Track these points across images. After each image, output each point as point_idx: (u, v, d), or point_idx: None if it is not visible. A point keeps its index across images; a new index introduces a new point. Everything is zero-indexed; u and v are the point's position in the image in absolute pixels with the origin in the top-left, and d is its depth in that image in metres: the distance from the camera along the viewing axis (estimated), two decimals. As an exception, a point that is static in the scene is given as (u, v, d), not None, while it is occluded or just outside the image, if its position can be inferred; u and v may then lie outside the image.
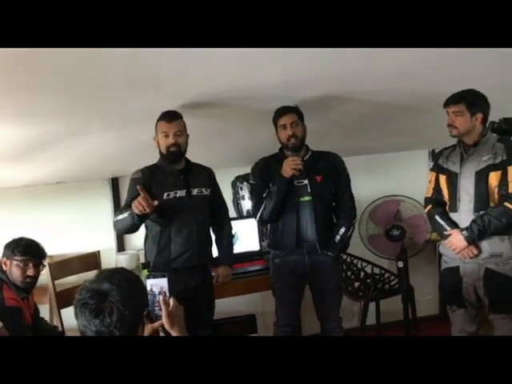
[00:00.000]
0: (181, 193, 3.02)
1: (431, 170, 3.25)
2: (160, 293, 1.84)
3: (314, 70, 2.77)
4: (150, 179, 2.99)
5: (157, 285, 1.85)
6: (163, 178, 3.02)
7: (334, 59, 2.63)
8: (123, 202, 3.99)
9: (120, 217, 2.90)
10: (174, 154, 2.99)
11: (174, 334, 1.80)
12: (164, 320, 1.79)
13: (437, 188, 3.17)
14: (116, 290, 1.53)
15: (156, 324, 1.82)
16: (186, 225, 3.02)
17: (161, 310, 1.81)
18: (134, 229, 2.96)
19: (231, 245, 3.35)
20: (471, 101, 2.93)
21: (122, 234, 3.03)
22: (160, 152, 3.02)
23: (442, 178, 3.11)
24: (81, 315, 1.53)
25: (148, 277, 1.89)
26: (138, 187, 2.78)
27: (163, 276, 1.88)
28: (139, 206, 2.72)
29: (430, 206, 3.19)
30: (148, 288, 1.84)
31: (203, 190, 3.11)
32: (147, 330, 1.80)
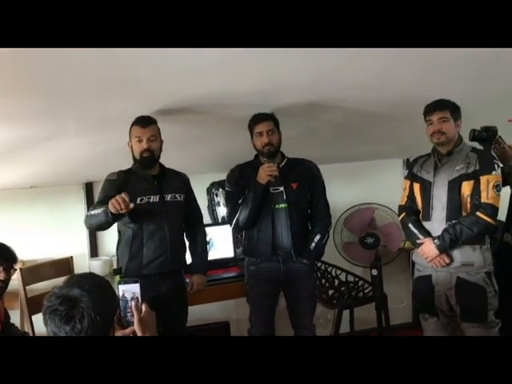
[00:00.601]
0: (154, 198, 3.00)
1: (405, 178, 3.28)
2: (132, 298, 1.82)
3: (291, 77, 2.78)
4: (124, 183, 2.96)
5: (129, 290, 1.83)
6: (137, 182, 2.99)
7: (310, 67, 2.65)
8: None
9: (93, 212, 2.85)
10: (147, 160, 2.98)
11: (145, 340, 1.79)
12: (136, 326, 1.77)
13: (411, 196, 3.19)
14: (87, 296, 1.51)
15: (127, 330, 1.80)
16: (159, 230, 2.99)
17: (133, 316, 1.79)
18: (105, 226, 2.90)
19: (205, 252, 3.32)
20: (453, 108, 2.97)
21: (92, 229, 2.97)
22: (133, 157, 3.01)
23: (416, 187, 3.14)
24: (50, 322, 1.51)
25: (120, 282, 1.87)
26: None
27: (135, 282, 1.86)
28: (116, 205, 2.66)
29: (403, 214, 3.22)
30: (120, 294, 1.82)
31: (177, 195, 3.09)
32: (118, 335, 1.77)
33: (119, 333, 1.79)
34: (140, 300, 1.82)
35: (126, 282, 1.86)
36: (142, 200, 2.97)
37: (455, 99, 2.99)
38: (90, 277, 1.62)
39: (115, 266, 3.53)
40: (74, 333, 1.48)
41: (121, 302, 1.82)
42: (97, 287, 1.56)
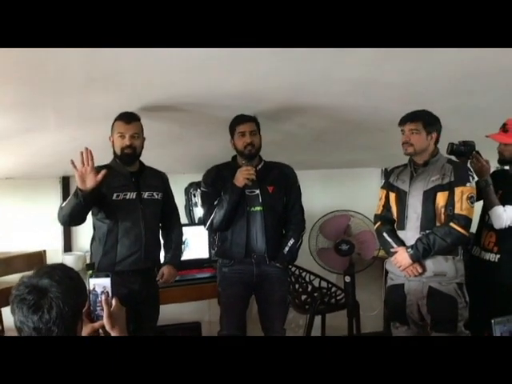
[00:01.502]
0: (131, 195, 2.99)
1: (382, 187, 3.32)
2: (102, 293, 1.81)
3: (274, 80, 2.80)
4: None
5: (99, 284, 1.82)
6: (114, 178, 2.97)
7: (294, 71, 2.67)
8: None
9: (64, 202, 2.87)
10: (129, 156, 2.97)
11: (114, 334, 1.77)
12: (105, 320, 1.76)
13: (386, 206, 3.22)
14: (56, 286, 1.50)
15: (96, 324, 1.79)
16: (134, 227, 2.98)
17: (102, 310, 1.78)
18: (77, 214, 2.86)
19: (179, 248, 3.29)
20: (427, 120, 3.00)
21: (66, 222, 2.94)
22: (114, 152, 3.00)
23: (392, 196, 3.17)
24: (18, 311, 1.50)
25: (91, 276, 1.85)
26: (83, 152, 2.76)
27: (107, 276, 1.85)
28: (81, 175, 2.71)
29: (378, 223, 3.24)
30: (90, 287, 1.81)
31: (154, 193, 3.08)
32: (87, 329, 1.76)
33: (88, 327, 1.78)
34: (110, 294, 1.82)
35: (97, 276, 1.86)
36: (118, 196, 2.96)
37: (437, 112, 3.02)
38: (60, 268, 1.61)
39: (88, 262, 3.50)
40: (41, 323, 1.47)
41: (91, 295, 1.81)
42: (67, 278, 1.55)
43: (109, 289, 1.82)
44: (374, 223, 3.32)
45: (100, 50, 2.17)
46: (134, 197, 2.99)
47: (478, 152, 3.19)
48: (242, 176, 3.11)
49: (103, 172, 2.75)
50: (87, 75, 2.55)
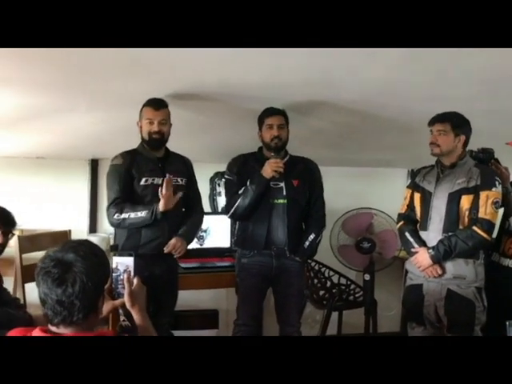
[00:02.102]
0: (158, 180, 3.02)
1: (408, 187, 3.31)
2: (125, 271, 1.85)
3: (306, 74, 2.79)
4: (131, 164, 3.00)
5: (122, 263, 1.86)
6: (143, 163, 3.02)
7: (324, 65, 2.67)
8: (102, 186, 4.04)
9: (132, 215, 2.92)
10: (156, 141, 3.01)
11: (133, 312, 1.82)
12: (126, 298, 1.81)
13: (411, 205, 3.21)
14: (81, 261, 1.53)
15: (117, 302, 1.83)
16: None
17: (124, 288, 1.82)
18: (141, 224, 2.98)
19: (195, 227, 3.25)
20: (456, 122, 2.99)
21: (123, 227, 3.02)
22: (142, 137, 3.04)
23: (417, 196, 3.16)
24: (43, 283, 1.54)
25: (115, 254, 1.90)
26: (166, 179, 2.87)
27: (130, 255, 1.89)
28: (168, 203, 2.86)
29: (401, 223, 3.24)
30: (113, 266, 1.85)
31: (179, 179, 3.11)
32: (108, 306, 1.81)
33: (109, 304, 1.82)
34: (132, 274, 1.86)
35: (120, 255, 1.90)
36: (146, 181, 3.01)
37: (466, 114, 3.01)
38: (85, 244, 1.65)
39: (112, 244, 3.56)
40: (64, 296, 1.51)
41: (113, 273, 1.85)
42: (91, 254, 1.59)
43: (131, 268, 1.86)
44: (397, 222, 3.32)
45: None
46: (160, 182, 3.01)
47: (496, 159, 3.17)
48: (271, 168, 3.12)
49: (179, 194, 2.90)
50: (120, 61, 2.58)
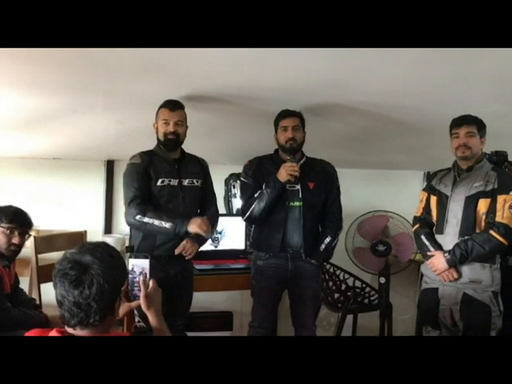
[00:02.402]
0: (174, 182, 3.03)
1: (424, 189, 3.29)
2: (141, 273, 1.85)
3: (320, 76, 2.80)
4: (148, 165, 3.01)
5: (138, 265, 1.86)
6: (159, 164, 3.03)
7: (340, 67, 2.67)
8: (117, 187, 4.06)
9: (156, 223, 2.91)
10: (172, 142, 3.02)
11: (149, 314, 1.82)
12: (141, 300, 1.81)
13: (427, 208, 3.20)
14: (98, 264, 1.54)
15: (133, 304, 1.84)
16: (175, 214, 3.01)
17: (140, 290, 1.83)
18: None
19: (214, 220, 3.24)
20: (480, 124, 2.99)
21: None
22: (158, 138, 3.05)
23: (433, 199, 3.15)
24: (60, 285, 1.54)
25: (130, 256, 1.90)
26: (202, 221, 2.92)
27: (145, 257, 1.89)
28: (205, 230, 2.92)
29: (417, 225, 3.23)
30: (129, 268, 1.86)
31: (194, 181, 3.12)
32: (124, 308, 1.81)
33: (125, 306, 1.83)
34: (148, 276, 1.86)
35: (136, 257, 1.90)
36: (163, 182, 3.02)
37: (481, 117, 3.00)
38: (102, 246, 1.66)
39: (127, 245, 3.56)
40: (81, 298, 1.51)
41: (129, 275, 1.86)
42: (108, 256, 1.60)
43: (147, 270, 1.86)
44: (413, 225, 3.31)
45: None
46: (176, 184, 3.04)
47: (510, 162, 3.15)
48: (286, 172, 3.12)
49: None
50: (136, 63, 2.61)
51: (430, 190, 3.20)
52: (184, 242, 2.99)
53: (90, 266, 1.54)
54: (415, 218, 3.28)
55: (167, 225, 2.90)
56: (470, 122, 2.98)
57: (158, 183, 3.00)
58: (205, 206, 3.24)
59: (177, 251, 2.98)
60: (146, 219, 2.92)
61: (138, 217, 2.93)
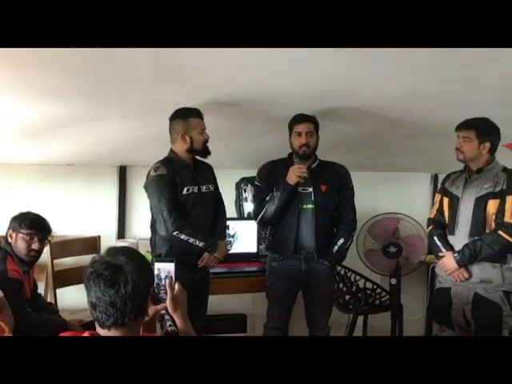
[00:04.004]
0: (195, 189, 3.09)
1: (438, 192, 3.35)
2: (166, 277, 1.89)
3: (332, 81, 2.86)
4: (174, 173, 3.04)
5: (164, 269, 1.89)
6: (182, 173, 3.07)
7: (355, 73, 2.73)
8: (130, 192, 4.15)
9: (191, 240, 2.98)
10: (208, 149, 3.10)
11: (176, 317, 1.86)
12: (168, 303, 1.85)
13: (440, 210, 3.25)
14: (130, 263, 1.59)
15: (159, 306, 1.87)
16: (199, 220, 3.09)
17: (165, 293, 1.86)
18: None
19: (225, 234, 3.37)
20: (482, 129, 3.01)
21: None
22: (190, 148, 3.06)
23: (446, 201, 3.20)
24: (95, 286, 1.57)
25: (156, 260, 1.93)
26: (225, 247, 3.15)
27: (171, 261, 1.92)
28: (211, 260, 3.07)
29: (431, 227, 3.29)
30: (155, 271, 1.89)
31: (210, 186, 3.18)
32: (150, 310, 1.85)
33: (151, 308, 1.87)
34: (174, 279, 1.90)
35: (162, 261, 1.93)
36: (188, 190, 3.06)
37: (493, 120, 3.03)
38: (130, 248, 1.72)
39: (140, 250, 3.60)
40: (117, 297, 1.55)
41: (155, 279, 1.89)
42: (139, 257, 1.67)
43: (173, 274, 1.90)
44: (427, 226, 3.36)
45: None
46: (197, 191, 3.09)
47: None
48: (294, 174, 3.17)
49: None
50: (152, 70, 2.65)
51: (443, 192, 3.25)
52: (206, 257, 3.08)
53: (123, 265, 1.59)
54: (429, 219, 3.34)
55: (200, 244, 2.98)
56: (467, 127, 3.02)
57: (184, 192, 3.04)
58: (218, 211, 3.28)
59: (201, 264, 3.08)
60: (182, 236, 2.97)
61: (175, 233, 2.96)
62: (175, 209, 2.99)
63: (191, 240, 2.97)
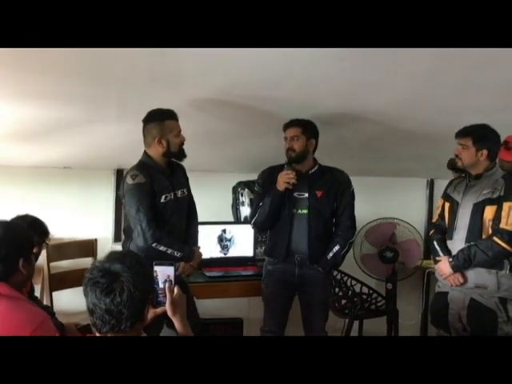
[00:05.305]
0: (171, 195, 3.02)
1: (441, 197, 3.34)
2: (166, 281, 1.89)
3: (330, 86, 2.86)
4: (151, 181, 2.94)
5: (163, 272, 1.89)
6: (159, 179, 2.99)
7: (350, 78, 2.73)
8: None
9: (169, 251, 2.91)
10: (183, 152, 3.01)
11: (175, 321, 1.86)
12: (167, 307, 1.85)
13: (442, 215, 3.25)
14: (127, 271, 1.59)
15: (158, 310, 1.88)
16: (177, 226, 3.06)
17: (164, 297, 1.86)
18: None
19: (197, 239, 3.26)
20: (478, 137, 3.00)
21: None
22: (167, 152, 2.97)
23: (447, 206, 3.20)
24: (91, 293, 1.58)
25: (155, 264, 1.93)
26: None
27: (171, 264, 1.93)
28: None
29: (432, 231, 3.30)
30: (154, 275, 1.89)
31: (184, 190, 3.13)
32: (149, 314, 1.85)
33: (150, 312, 1.87)
34: (173, 282, 1.90)
35: (161, 264, 1.93)
36: (166, 198, 2.99)
37: (492, 125, 3.01)
38: (130, 254, 1.72)
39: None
40: (113, 305, 1.56)
41: (154, 283, 1.89)
42: (137, 264, 1.64)
43: (172, 277, 1.90)
44: (430, 231, 3.39)
45: (164, 51, 2.28)
46: (173, 197, 3.03)
47: None
48: (282, 180, 3.18)
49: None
50: (151, 73, 2.66)
51: (445, 197, 3.26)
52: (183, 264, 3.05)
53: (120, 273, 1.59)
54: (431, 224, 3.36)
55: (178, 254, 2.93)
56: (464, 134, 3.02)
57: (162, 200, 2.96)
58: (190, 214, 3.22)
59: (177, 273, 3.02)
60: (161, 248, 2.90)
61: (153, 244, 2.88)
62: (153, 219, 2.90)
63: (169, 251, 2.90)
